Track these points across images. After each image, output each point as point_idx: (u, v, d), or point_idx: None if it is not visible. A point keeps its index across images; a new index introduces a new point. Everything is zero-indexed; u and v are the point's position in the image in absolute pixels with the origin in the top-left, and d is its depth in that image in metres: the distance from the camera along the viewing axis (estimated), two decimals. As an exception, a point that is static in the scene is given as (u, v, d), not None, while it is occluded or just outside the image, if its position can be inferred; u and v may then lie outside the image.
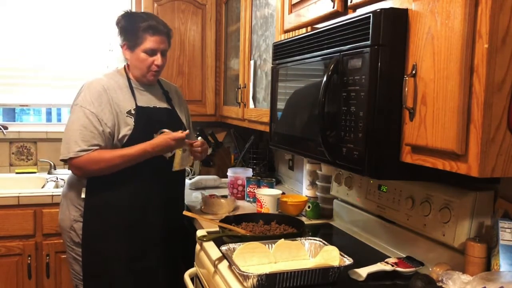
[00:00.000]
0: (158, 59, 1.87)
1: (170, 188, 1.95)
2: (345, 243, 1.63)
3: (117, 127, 1.79)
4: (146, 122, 1.84)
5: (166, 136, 1.80)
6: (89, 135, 1.74)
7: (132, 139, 1.80)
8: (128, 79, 1.90)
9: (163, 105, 1.98)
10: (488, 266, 1.17)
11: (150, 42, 1.84)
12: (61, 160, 1.81)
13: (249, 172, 2.45)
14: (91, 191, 1.82)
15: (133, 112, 1.83)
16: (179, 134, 1.81)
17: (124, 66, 1.95)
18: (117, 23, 1.93)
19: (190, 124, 2.16)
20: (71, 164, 1.76)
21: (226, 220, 1.66)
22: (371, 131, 1.07)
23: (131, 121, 1.81)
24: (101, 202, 1.81)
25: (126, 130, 1.80)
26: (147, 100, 1.91)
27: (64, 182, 2.68)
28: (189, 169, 2.93)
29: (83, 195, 1.83)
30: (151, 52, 1.85)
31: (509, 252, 1.11)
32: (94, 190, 1.82)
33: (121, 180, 1.79)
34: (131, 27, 1.86)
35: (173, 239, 1.97)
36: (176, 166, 1.86)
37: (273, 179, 2.33)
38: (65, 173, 2.84)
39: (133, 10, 2.87)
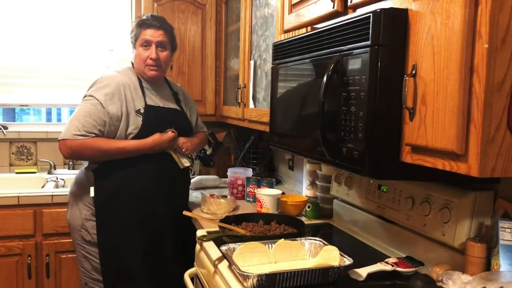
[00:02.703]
0: (152, 52, 1.90)
1: (177, 182, 2.01)
2: (345, 243, 1.63)
3: (125, 125, 1.83)
4: (154, 121, 1.89)
5: (159, 135, 1.87)
6: (91, 123, 1.77)
7: (139, 137, 1.84)
8: (138, 77, 1.95)
9: (172, 105, 2.02)
10: (488, 266, 1.17)
11: (143, 34, 1.91)
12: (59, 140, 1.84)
13: (249, 172, 2.45)
14: (100, 189, 1.85)
15: (142, 111, 1.87)
16: (169, 134, 1.90)
17: (132, 64, 2.00)
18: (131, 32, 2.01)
19: (198, 121, 2.23)
20: (64, 143, 1.78)
21: (226, 220, 1.66)
22: (371, 131, 1.06)
23: (139, 119, 1.85)
24: (111, 199, 1.84)
25: (133, 128, 1.84)
26: (156, 100, 1.96)
27: (64, 182, 2.71)
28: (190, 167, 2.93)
29: (92, 194, 1.85)
30: (146, 45, 1.91)
31: (509, 252, 1.11)
32: (103, 187, 1.84)
33: (131, 175, 1.84)
34: (133, 28, 1.96)
35: (182, 231, 2.01)
36: (180, 165, 1.97)
37: (273, 179, 2.33)
38: (65, 173, 2.84)
39: (133, 10, 2.87)
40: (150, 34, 1.91)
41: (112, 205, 1.84)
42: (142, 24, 1.93)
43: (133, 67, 1.98)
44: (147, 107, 1.88)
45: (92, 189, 1.85)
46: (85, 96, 1.84)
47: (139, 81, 1.93)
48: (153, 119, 1.88)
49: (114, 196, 1.84)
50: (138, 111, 1.86)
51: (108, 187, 1.84)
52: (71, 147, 1.77)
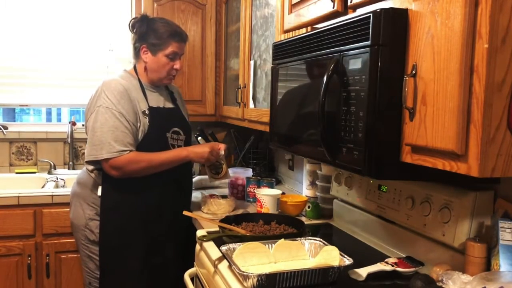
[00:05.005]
0: (178, 63, 1.95)
1: (182, 187, 2.02)
2: (345, 243, 1.63)
3: (137, 126, 1.85)
4: (159, 122, 1.91)
5: (208, 146, 1.94)
6: (122, 135, 1.77)
7: (147, 138, 1.86)
8: (139, 80, 1.94)
9: (170, 105, 2.04)
10: (488, 266, 1.17)
11: (174, 47, 1.91)
12: (88, 161, 1.82)
13: (249, 172, 2.45)
14: (108, 189, 1.85)
15: (147, 112, 1.88)
16: (221, 146, 1.98)
17: (134, 67, 1.98)
18: (133, 26, 1.95)
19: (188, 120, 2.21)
20: (109, 164, 1.76)
21: (226, 220, 1.66)
22: (371, 131, 1.07)
23: (146, 121, 1.87)
24: (118, 200, 1.85)
25: (142, 129, 1.86)
26: (157, 100, 1.97)
27: (64, 182, 2.71)
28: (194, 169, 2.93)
29: (99, 193, 1.86)
30: (173, 57, 1.92)
31: (509, 252, 1.11)
32: (111, 188, 1.85)
33: (136, 178, 1.83)
34: (155, 32, 1.91)
35: (184, 235, 2.01)
36: (210, 180, 2.12)
37: (273, 179, 2.33)
38: (65, 173, 2.84)
39: (133, 10, 2.87)
40: (180, 47, 1.94)
41: (118, 206, 1.85)
42: (175, 36, 1.91)
43: (135, 71, 1.96)
44: (151, 108, 1.90)
45: (100, 188, 1.86)
46: (98, 107, 1.79)
47: (139, 84, 1.93)
48: (158, 119, 1.90)
49: (121, 197, 1.85)
50: (143, 112, 1.87)
51: (116, 187, 1.84)
52: (118, 166, 1.76)
